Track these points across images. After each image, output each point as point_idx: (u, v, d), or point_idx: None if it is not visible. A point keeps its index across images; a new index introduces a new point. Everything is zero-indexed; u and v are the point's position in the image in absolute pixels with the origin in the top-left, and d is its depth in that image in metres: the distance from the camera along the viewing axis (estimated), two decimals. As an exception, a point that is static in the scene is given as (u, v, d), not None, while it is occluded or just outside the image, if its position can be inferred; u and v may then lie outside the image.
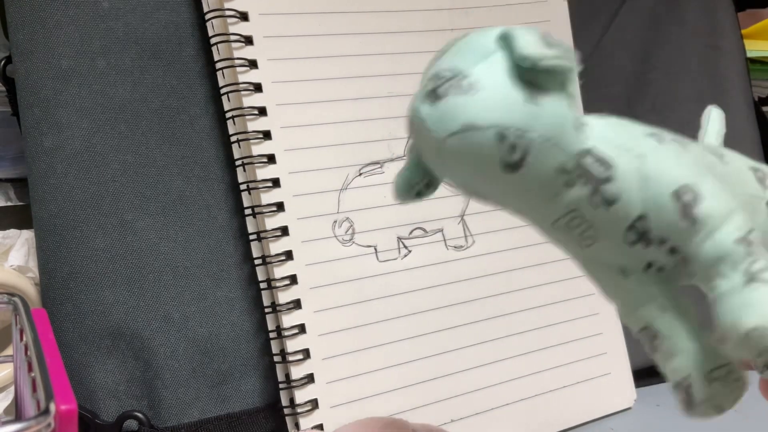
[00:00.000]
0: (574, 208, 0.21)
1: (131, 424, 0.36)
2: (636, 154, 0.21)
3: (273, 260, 0.37)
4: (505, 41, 0.20)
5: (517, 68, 0.19)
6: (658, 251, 0.21)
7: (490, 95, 0.19)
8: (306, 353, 0.37)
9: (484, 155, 0.19)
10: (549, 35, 0.19)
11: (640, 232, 0.21)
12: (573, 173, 0.20)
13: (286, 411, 0.37)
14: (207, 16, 0.38)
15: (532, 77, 0.19)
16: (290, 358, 0.37)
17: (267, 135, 0.37)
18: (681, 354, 0.23)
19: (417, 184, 0.23)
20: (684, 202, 0.20)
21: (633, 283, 0.22)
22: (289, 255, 0.37)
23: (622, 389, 0.45)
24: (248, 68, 0.37)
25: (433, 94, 0.20)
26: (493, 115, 0.19)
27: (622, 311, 0.23)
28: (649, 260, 0.22)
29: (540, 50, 0.19)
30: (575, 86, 0.20)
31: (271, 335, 0.38)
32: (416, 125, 0.20)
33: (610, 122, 0.22)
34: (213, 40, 0.38)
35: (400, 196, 0.23)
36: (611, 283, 0.23)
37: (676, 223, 0.20)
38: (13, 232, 0.40)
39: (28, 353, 0.25)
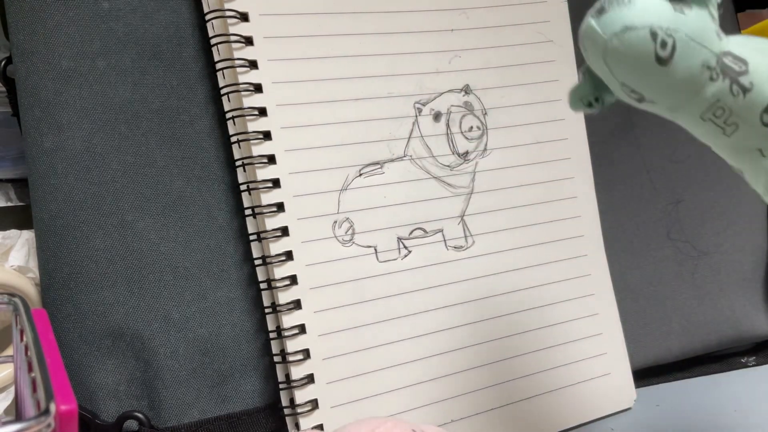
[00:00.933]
0: (718, 98, 0.26)
1: (131, 424, 0.36)
2: (766, 52, 0.27)
3: (273, 260, 0.37)
4: None
5: None
6: None
7: (644, 5, 0.25)
8: (306, 353, 0.37)
9: (640, 49, 0.25)
10: None
11: None
12: (715, 69, 0.26)
13: (286, 411, 0.37)
14: (207, 17, 0.38)
15: None
16: (290, 359, 0.37)
17: (267, 135, 0.37)
18: None
19: (587, 95, 0.29)
20: None
21: None
22: (289, 255, 0.37)
23: (622, 389, 0.45)
24: (248, 69, 0.37)
25: (601, 9, 0.26)
26: (646, 18, 0.25)
27: (764, 190, 0.28)
28: None
29: None
30: (715, 7, 0.26)
31: (271, 335, 0.38)
32: (587, 34, 0.26)
33: (745, 36, 0.28)
34: (213, 41, 0.38)
35: (573, 106, 0.30)
36: (753, 164, 0.27)
37: None
38: (13, 232, 0.40)
39: (29, 353, 0.25)
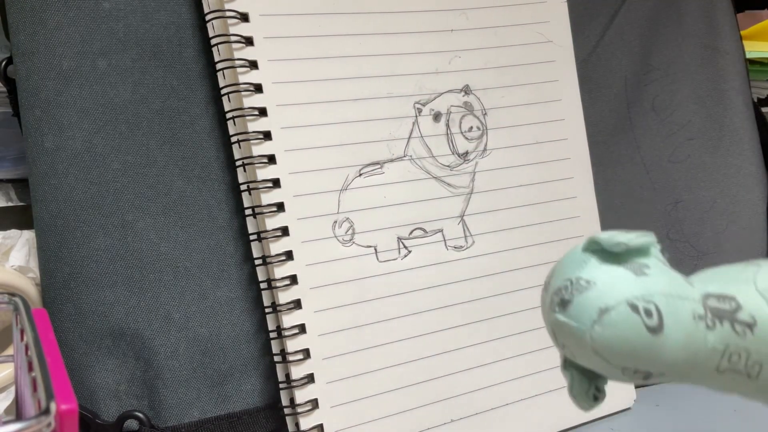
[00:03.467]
0: (727, 344, 0.24)
1: (132, 424, 0.36)
2: (744, 280, 0.24)
3: (273, 260, 0.37)
4: (594, 244, 0.24)
5: (612, 258, 0.23)
6: None
7: (605, 282, 0.23)
8: (306, 353, 0.37)
9: (628, 327, 0.22)
10: (615, 230, 0.24)
11: None
12: (707, 317, 0.24)
13: (286, 411, 0.37)
14: (207, 17, 0.38)
15: (627, 259, 0.23)
16: (290, 358, 0.37)
17: (267, 135, 0.37)
18: None
19: (589, 390, 0.25)
20: None
21: None
22: (289, 255, 0.37)
23: (621, 389, 0.45)
24: (249, 69, 0.37)
25: (563, 303, 0.23)
26: (617, 294, 0.23)
27: None
28: None
29: (624, 237, 0.23)
30: (661, 254, 0.25)
31: (272, 335, 0.38)
32: (563, 332, 0.23)
33: (708, 272, 0.26)
34: (213, 41, 0.38)
35: (584, 408, 0.26)
36: None
37: None
38: (14, 232, 0.40)
39: (29, 353, 0.25)
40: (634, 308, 0.22)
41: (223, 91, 0.38)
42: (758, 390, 0.25)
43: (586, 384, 0.25)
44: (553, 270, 0.24)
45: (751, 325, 0.24)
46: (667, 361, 0.23)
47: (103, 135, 0.37)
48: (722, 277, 0.25)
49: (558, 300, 0.23)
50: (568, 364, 0.25)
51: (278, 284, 0.37)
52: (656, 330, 0.23)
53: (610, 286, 0.23)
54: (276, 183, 0.37)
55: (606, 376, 0.25)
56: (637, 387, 0.45)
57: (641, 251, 0.24)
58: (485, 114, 0.43)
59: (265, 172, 0.37)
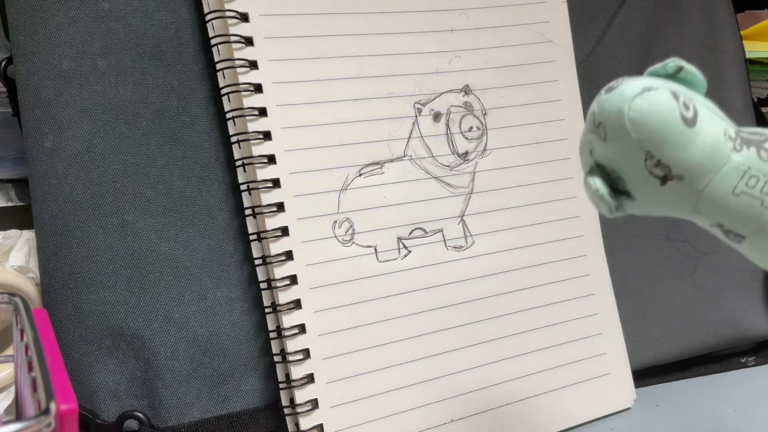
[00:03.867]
0: (748, 167, 0.25)
1: (131, 424, 0.36)
2: None
3: (273, 260, 0.37)
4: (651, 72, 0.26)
5: (667, 76, 0.26)
6: None
7: (652, 79, 0.25)
8: (306, 353, 0.37)
9: (665, 107, 0.24)
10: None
11: None
12: (736, 140, 0.25)
13: (286, 411, 0.37)
14: (207, 17, 0.38)
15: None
16: (290, 358, 0.37)
17: (267, 135, 0.37)
18: None
19: (605, 194, 0.26)
20: None
21: None
22: (289, 255, 0.37)
23: (621, 389, 0.45)
24: (248, 69, 0.37)
25: (609, 89, 0.25)
26: (662, 83, 0.25)
27: None
28: None
29: (681, 61, 0.26)
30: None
31: (271, 335, 0.38)
32: (603, 110, 0.25)
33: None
34: (213, 41, 0.38)
35: (606, 208, 0.27)
36: None
37: None
38: (13, 232, 0.40)
39: (29, 353, 0.25)
40: (675, 96, 0.24)
41: (223, 91, 0.38)
42: (764, 225, 0.25)
43: (608, 187, 0.26)
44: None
45: None
46: (691, 158, 0.25)
47: (103, 135, 0.37)
48: (759, 128, 0.26)
49: (606, 88, 0.25)
50: (593, 170, 0.27)
51: (278, 284, 0.37)
52: (690, 122, 0.24)
53: (657, 80, 0.25)
54: (276, 183, 0.37)
55: (628, 169, 0.25)
56: (636, 387, 0.45)
57: (693, 85, 0.26)
58: (485, 114, 0.43)
59: (265, 172, 0.37)
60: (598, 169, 0.26)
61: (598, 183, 0.26)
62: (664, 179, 0.25)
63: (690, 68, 0.26)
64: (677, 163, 0.25)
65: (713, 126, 0.25)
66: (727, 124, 0.25)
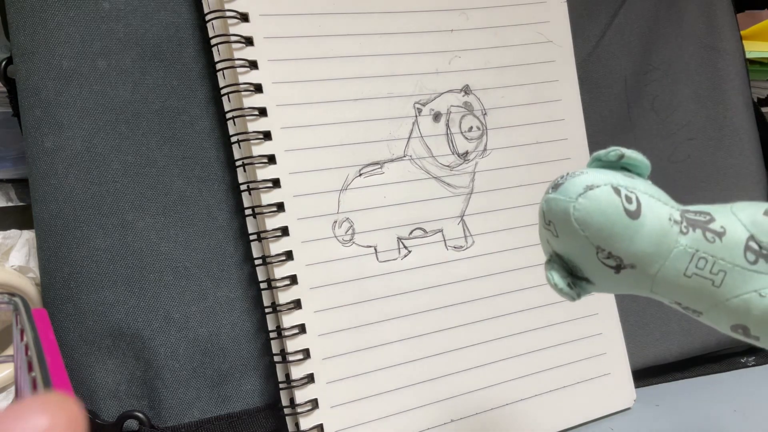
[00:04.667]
0: (696, 249, 0.26)
1: (132, 424, 0.36)
2: (722, 207, 0.27)
3: (273, 260, 0.37)
4: (595, 160, 0.27)
5: (608, 165, 0.27)
6: None
7: (596, 172, 0.26)
8: (306, 353, 0.37)
9: (608, 203, 0.25)
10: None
11: (755, 250, 0.26)
12: (682, 223, 0.26)
13: (286, 411, 0.37)
14: (207, 17, 0.38)
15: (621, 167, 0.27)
16: (290, 358, 0.37)
17: (267, 135, 0.37)
18: None
19: (565, 277, 0.28)
20: None
21: None
22: (289, 255, 0.37)
23: (621, 389, 0.45)
24: (248, 69, 0.37)
25: (555, 186, 0.26)
26: (604, 178, 0.26)
27: None
28: None
29: (621, 150, 0.27)
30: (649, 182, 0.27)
31: (272, 335, 0.38)
32: (550, 206, 0.26)
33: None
34: (213, 41, 0.38)
35: (567, 296, 0.28)
36: (756, 310, 0.26)
37: None
38: (14, 232, 0.40)
39: (29, 353, 0.25)
40: (617, 191, 0.25)
41: (223, 91, 0.38)
42: (721, 302, 0.26)
43: (567, 276, 0.28)
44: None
45: (721, 234, 0.26)
46: (639, 248, 0.26)
47: (103, 135, 0.37)
48: (705, 206, 0.27)
49: (552, 185, 0.26)
50: (552, 259, 0.28)
51: (278, 284, 0.37)
52: (633, 214, 0.25)
53: (599, 174, 0.26)
54: (276, 183, 0.37)
55: (583, 261, 0.27)
56: (637, 387, 0.45)
57: (636, 168, 0.27)
58: (485, 114, 0.43)
59: (265, 172, 0.37)
60: (557, 258, 0.28)
61: (556, 278, 0.28)
62: (618, 268, 0.26)
63: (631, 154, 0.27)
64: (627, 254, 0.26)
65: (657, 213, 0.26)
66: (671, 209, 0.26)
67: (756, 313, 0.26)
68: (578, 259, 0.27)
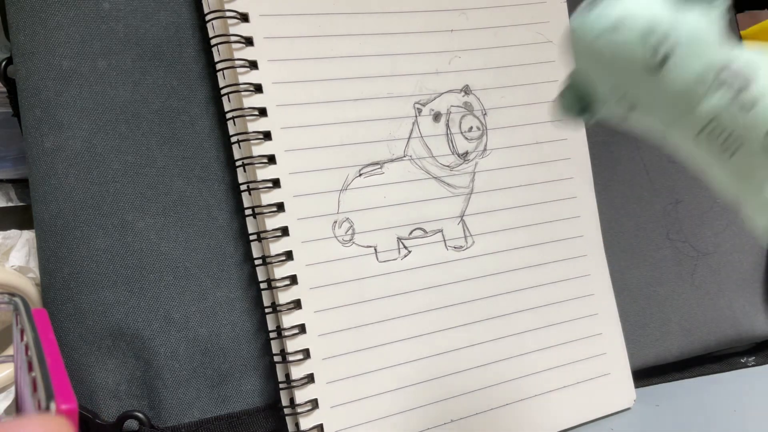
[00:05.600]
0: (716, 115, 0.23)
1: (132, 424, 0.36)
2: None
3: (273, 260, 0.37)
4: None
5: None
6: None
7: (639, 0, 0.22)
8: (306, 353, 0.37)
9: (629, 53, 0.22)
10: None
11: None
12: (715, 81, 0.23)
13: (286, 411, 0.37)
14: (207, 17, 0.38)
15: None
16: (290, 358, 0.37)
17: (267, 136, 0.37)
18: None
19: (576, 104, 0.26)
20: None
21: None
22: (289, 255, 0.37)
23: (621, 389, 0.45)
24: (248, 69, 0.37)
25: (591, 3, 0.23)
26: (639, 16, 0.22)
27: (766, 224, 0.24)
28: None
29: None
30: (722, 7, 0.23)
31: (271, 335, 0.38)
32: (574, 30, 0.23)
33: (749, 46, 0.24)
34: (213, 41, 0.38)
35: (562, 113, 0.26)
36: (753, 197, 0.24)
37: None
38: (13, 232, 0.40)
39: (29, 353, 0.25)
40: (646, 37, 0.22)
41: (223, 91, 0.38)
42: (725, 173, 0.24)
43: (578, 96, 0.26)
44: None
45: (748, 107, 0.23)
46: (653, 101, 0.24)
47: (103, 135, 0.37)
48: (761, 57, 0.24)
49: (587, 3, 0.23)
50: (572, 72, 0.26)
51: (278, 284, 0.37)
52: (656, 68, 0.23)
53: (639, 5, 0.22)
54: (276, 183, 0.37)
55: (598, 93, 0.25)
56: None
57: None
58: (485, 114, 0.43)
59: (265, 173, 0.37)
60: (574, 78, 0.26)
61: (571, 89, 0.26)
62: (631, 109, 0.25)
63: None
64: (641, 103, 0.24)
65: (687, 69, 0.23)
66: (706, 64, 0.23)
67: (752, 198, 0.24)
68: (594, 81, 0.25)
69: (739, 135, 0.23)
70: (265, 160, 0.37)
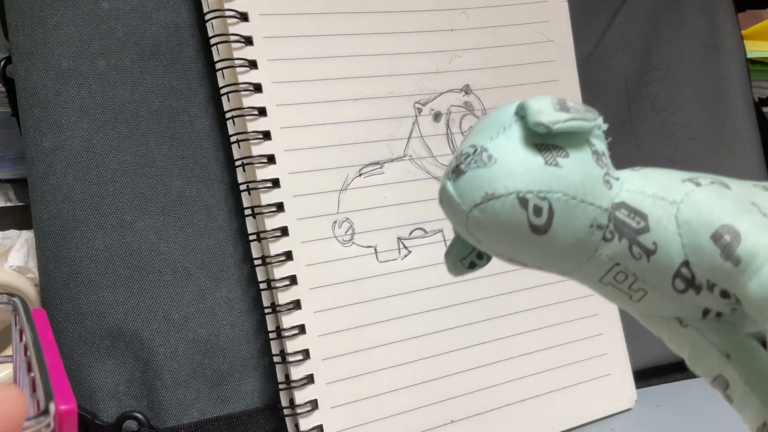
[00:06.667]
0: (617, 262, 0.21)
1: (131, 424, 0.36)
2: (671, 201, 0.21)
3: (273, 260, 0.37)
4: (520, 112, 0.21)
5: (535, 135, 0.20)
6: (710, 296, 0.21)
7: (507, 163, 0.20)
8: (306, 354, 0.37)
9: (508, 222, 0.20)
10: (564, 100, 0.20)
11: (687, 279, 0.21)
12: (607, 228, 0.21)
13: (285, 411, 0.37)
14: (207, 17, 0.38)
15: (551, 141, 0.20)
16: (290, 359, 0.37)
17: (267, 135, 0.37)
18: (753, 404, 0.21)
19: (467, 257, 0.24)
20: (724, 243, 0.20)
21: (693, 333, 0.22)
22: (288, 255, 0.37)
23: (622, 390, 0.45)
24: (248, 68, 0.37)
25: (457, 170, 0.21)
26: (511, 183, 0.20)
27: (690, 362, 0.23)
28: (705, 306, 0.22)
29: (552, 116, 0.20)
30: (600, 142, 0.21)
31: (271, 336, 0.38)
32: (444, 201, 0.21)
33: (645, 173, 0.22)
34: (213, 41, 0.38)
35: (453, 272, 0.24)
36: (671, 333, 0.23)
37: (720, 267, 0.20)
38: (12, 232, 0.40)
39: (28, 353, 0.25)
40: (523, 203, 0.20)
41: (222, 91, 0.38)
42: (638, 313, 0.23)
43: (467, 249, 0.24)
44: (478, 123, 0.22)
45: (650, 253, 0.21)
46: (545, 261, 0.22)
47: (102, 135, 0.37)
48: (656, 184, 0.22)
49: (455, 164, 0.21)
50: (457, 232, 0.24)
51: (278, 284, 0.37)
52: (540, 230, 0.20)
53: (508, 171, 0.20)
54: (275, 183, 0.37)
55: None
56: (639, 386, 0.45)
57: (575, 134, 0.21)
58: (485, 114, 0.43)
59: (264, 172, 0.37)
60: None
61: (457, 242, 0.24)
62: (523, 265, 0.23)
63: (563, 126, 0.20)
64: (532, 263, 0.22)
65: (575, 223, 0.21)
66: (596, 210, 0.21)
67: (674, 339, 0.23)
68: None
69: (646, 280, 0.21)
70: (265, 160, 0.37)
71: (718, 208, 0.20)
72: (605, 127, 0.22)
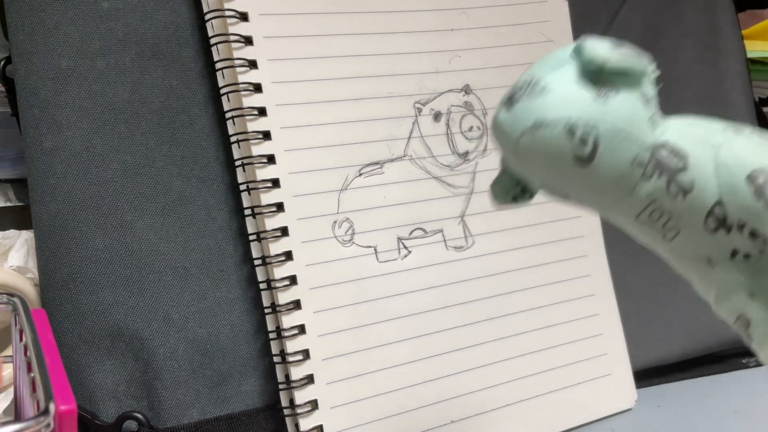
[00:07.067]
0: (654, 199, 0.22)
1: (131, 424, 0.36)
2: (711, 144, 0.22)
3: (273, 261, 0.37)
4: (577, 51, 0.22)
5: (588, 73, 0.21)
6: (740, 237, 0.22)
7: (559, 95, 0.21)
8: (306, 354, 0.37)
9: (555, 150, 0.21)
10: (620, 43, 0.22)
11: (719, 218, 0.22)
12: (648, 165, 0.22)
13: (285, 412, 0.37)
14: (207, 17, 0.37)
15: (603, 79, 0.21)
16: (290, 359, 0.37)
17: (267, 135, 0.37)
18: None
19: (512, 189, 0.25)
20: (757, 184, 0.21)
21: (720, 272, 0.23)
22: (288, 255, 0.37)
23: (622, 390, 0.45)
24: (248, 68, 0.37)
25: (510, 101, 0.22)
26: (561, 112, 0.21)
27: (714, 301, 0.24)
28: (733, 247, 0.22)
29: (606, 54, 0.21)
30: (649, 87, 0.22)
31: (271, 336, 0.38)
32: (496, 130, 0.23)
33: (689, 119, 0.23)
34: (213, 41, 0.38)
35: (497, 202, 0.25)
36: (700, 274, 0.24)
37: (752, 207, 0.21)
38: (12, 232, 0.40)
39: (28, 354, 0.25)
40: (571, 133, 0.21)
41: (222, 91, 0.38)
42: (668, 252, 0.24)
43: (513, 182, 0.25)
44: (537, 61, 0.23)
45: (686, 191, 0.22)
46: (586, 193, 0.23)
47: (102, 135, 0.37)
48: (699, 128, 0.23)
49: (509, 95, 0.22)
50: (504, 163, 0.25)
51: (278, 284, 0.37)
52: (585, 161, 0.22)
53: (559, 102, 0.21)
54: (275, 183, 0.37)
55: (533, 183, 0.24)
56: (637, 385, 0.45)
57: (626, 76, 0.22)
58: (485, 114, 0.43)
59: (264, 172, 0.37)
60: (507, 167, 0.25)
61: (504, 174, 0.25)
62: (565, 198, 0.24)
63: (616, 64, 0.21)
64: (573, 194, 0.23)
65: (618, 157, 0.22)
66: (639, 148, 0.22)
67: (702, 280, 0.24)
68: (523, 177, 0.24)
69: (680, 218, 0.22)
70: (265, 160, 0.37)
71: (755, 154, 0.22)
72: (657, 73, 0.23)
